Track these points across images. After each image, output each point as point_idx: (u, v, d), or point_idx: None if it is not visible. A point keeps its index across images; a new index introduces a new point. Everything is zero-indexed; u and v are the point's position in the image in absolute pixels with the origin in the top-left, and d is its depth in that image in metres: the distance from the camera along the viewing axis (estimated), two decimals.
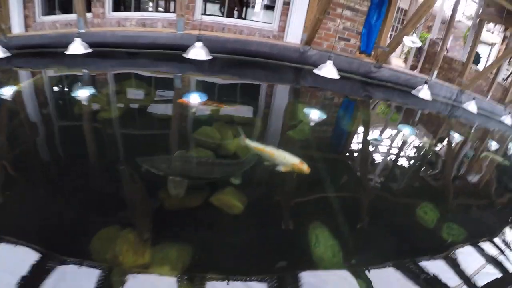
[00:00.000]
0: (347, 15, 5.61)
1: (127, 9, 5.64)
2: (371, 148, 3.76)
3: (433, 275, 1.99)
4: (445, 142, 4.58)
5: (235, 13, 6.06)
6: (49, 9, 5.45)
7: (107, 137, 2.97)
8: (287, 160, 2.50)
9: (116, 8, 5.43)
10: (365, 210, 2.61)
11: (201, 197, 2.13)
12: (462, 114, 5.78)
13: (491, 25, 10.97)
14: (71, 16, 5.14)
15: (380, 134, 4.22)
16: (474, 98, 5.29)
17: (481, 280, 2.04)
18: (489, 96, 6.86)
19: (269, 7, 6.02)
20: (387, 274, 1.96)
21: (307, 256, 1.92)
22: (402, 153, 3.85)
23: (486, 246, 2.41)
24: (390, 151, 3.82)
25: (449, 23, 6.66)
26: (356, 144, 3.90)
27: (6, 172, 2.24)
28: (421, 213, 2.59)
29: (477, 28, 6.55)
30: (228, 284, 1.67)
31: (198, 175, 2.17)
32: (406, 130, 4.29)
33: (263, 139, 3.24)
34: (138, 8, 5.76)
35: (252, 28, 5.68)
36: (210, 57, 3.54)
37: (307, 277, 1.79)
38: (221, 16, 5.84)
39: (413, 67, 9.10)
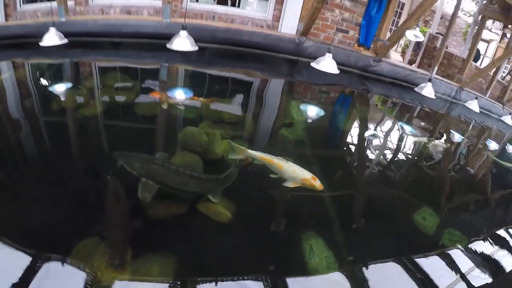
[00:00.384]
0: (346, 5, 5.32)
1: None
2: (371, 148, 3.57)
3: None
4: (445, 141, 4.37)
5: (227, 0, 5.68)
6: None
7: (87, 135, 2.75)
8: (297, 174, 2.19)
9: None
10: (361, 215, 2.48)
11: (186, 203, 2.02)
12: (461, 111, 5.65)
13: (488, 22, 10.85)
14: (54, 4, 4.72)
15: (379, 133, 4.02)
16: (476, 98, 5.10)
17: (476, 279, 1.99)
18: (488, 94, 6.70)
19: None
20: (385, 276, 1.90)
21: (301, 267, 1.82)
22: (402, 153, 3.69)
23: (484, 245, 2.34)
24: (390, 151, 3.64)
25: (451, 19, 6.41)
26: (355, 144, 3.71)
27: None
28: (420, 219, 2.48)
29: (479, 25, 6.35)
30: None
31: (172, 184, 1.94)
32: (405, 128, 4.14)
33: (253, 139, 3.04)
34: None
35: (245, 17, 5.38)
36: (196, 48, 3.16)
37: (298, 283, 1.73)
38: (212, 4, 5.47)
39: (411, 62, 8.89)
